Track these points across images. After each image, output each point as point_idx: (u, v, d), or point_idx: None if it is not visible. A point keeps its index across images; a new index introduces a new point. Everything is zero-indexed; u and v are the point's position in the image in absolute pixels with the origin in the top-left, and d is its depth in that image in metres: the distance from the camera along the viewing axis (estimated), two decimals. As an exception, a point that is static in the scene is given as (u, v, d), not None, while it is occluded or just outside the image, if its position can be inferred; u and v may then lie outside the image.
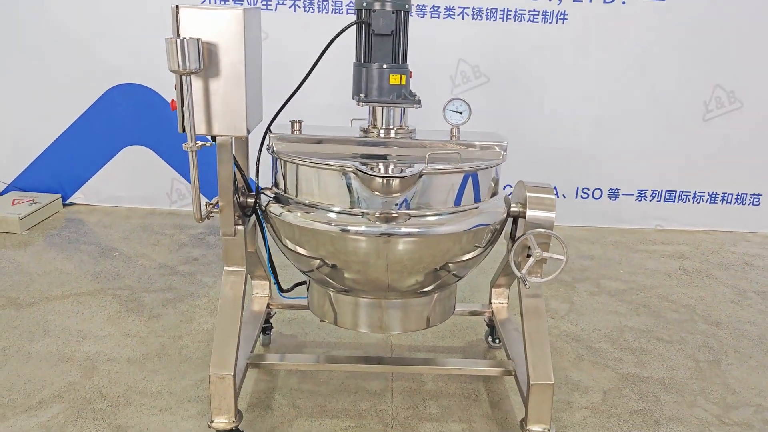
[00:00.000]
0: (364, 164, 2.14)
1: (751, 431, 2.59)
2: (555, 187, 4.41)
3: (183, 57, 2.02)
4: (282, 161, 2.31)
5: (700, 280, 4.06)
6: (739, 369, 3.04)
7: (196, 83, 2.14)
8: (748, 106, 4.53)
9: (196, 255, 4.08)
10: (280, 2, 4.34)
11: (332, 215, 2.18)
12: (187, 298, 3.49)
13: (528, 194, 2.37)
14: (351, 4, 4.35)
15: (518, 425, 2.41)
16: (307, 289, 2.64)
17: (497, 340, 3.07)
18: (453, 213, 2.21)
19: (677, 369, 3.02)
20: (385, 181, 2.06)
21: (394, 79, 2.32)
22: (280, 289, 2.70)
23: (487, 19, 4.36)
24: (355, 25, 2.28)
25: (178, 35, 2.11)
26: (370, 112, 2.40)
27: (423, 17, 4.38)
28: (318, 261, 2.32)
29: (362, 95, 2.31)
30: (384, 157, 2.28)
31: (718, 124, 4.59)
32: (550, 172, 4.48)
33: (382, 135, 2.35)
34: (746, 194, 4.78)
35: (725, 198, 4.79)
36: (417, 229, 2.14)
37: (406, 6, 2.27)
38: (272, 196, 2.41)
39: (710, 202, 4.80)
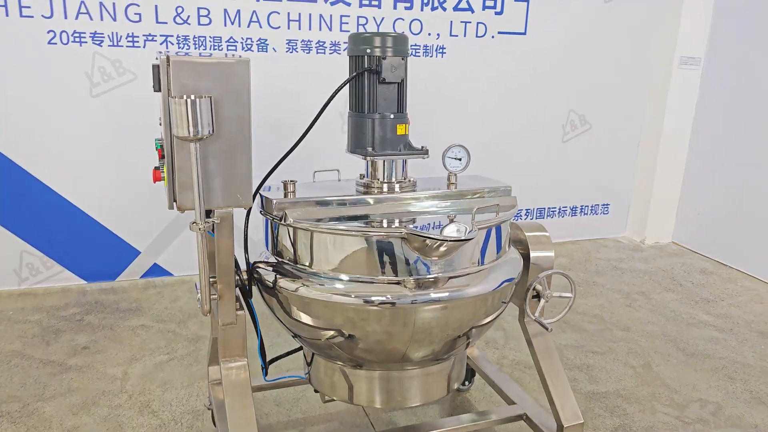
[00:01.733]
0: (401, 226, 1.94)
1: (708, 426, 2.86)
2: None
3: (195, 121, 1.66)
4: (291, 229, 2.01)
5: (590, 289, 4.43)
6: (667, 368, 3.35)
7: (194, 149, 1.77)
8: (596, 127, 5.08)
9: (83, 342, 3.38)
10: (149, 38, 3.83)
11: (361, 285, 1.94)
12: (101, 399, 2.87)
13: (527, 234, 2.35)
14: (230, 40, 4.00)
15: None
16: (309, 364, 2.33)
17: (466, 383, 3.00)
18: (479, 271, 2.07)
19: (624, 379, 3.22)
20: (437, 243, 1.88)
21: (401, 129, 2.16)
22: (266, 373, 2.33)
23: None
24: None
25: (171, 93, 1.72)
26: (369, 165, 2.20)
27: (308, 53, 4.19)
28: (333, 334, 2.05)
29: (370, 148, 2.11)
30: (410, 215, 2.09)
31: (573, 144, 5.07)
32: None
33: (388, 189, 2.17)
34: (598, 205, 5.35)
35: (583, 210, 5.31)
36: (447, 293, 1.98)
37: (409, 51, 2.13)
38: (270, 269, 2.08)
39: (571, 215, 5.28)
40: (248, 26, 4.04)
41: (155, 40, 3.83)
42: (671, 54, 4.87)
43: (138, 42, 3.81)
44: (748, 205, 4.69)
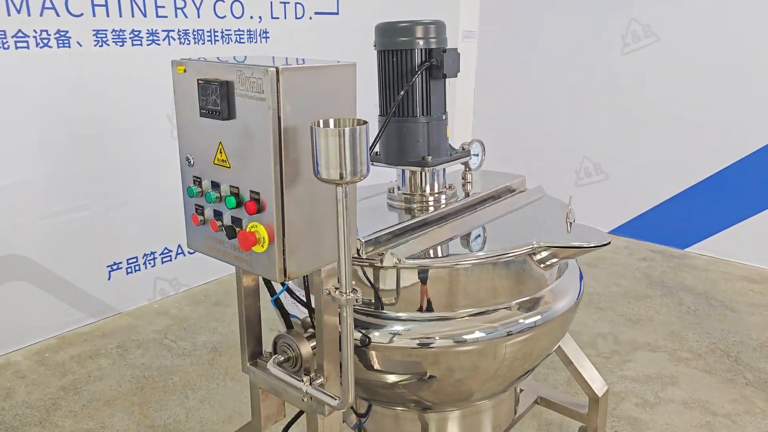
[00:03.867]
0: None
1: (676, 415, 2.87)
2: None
3: (354, 155, 1.23)
4: (390, 271, 1.64)
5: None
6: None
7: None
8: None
9: None
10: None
11: (477, 318, 1.70)
12: None
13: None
14: (17, 35, 2.99)
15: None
16: (363, 415, 1.96)
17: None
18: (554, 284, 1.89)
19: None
20: (567, 253, 1.72)
21: (447, 132, 1.91)
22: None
23: (195, 42, 3.67)
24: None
25: (284, 115, 1.26)
26: (412, 176, 1.91)
27: (122, 45, 3.37)
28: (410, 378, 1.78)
29: (429, 157, 1.82)
30: (483, 227, 1.87)
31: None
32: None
33: (446, 201, 1.92)
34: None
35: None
36: (540, 316, 1.79)
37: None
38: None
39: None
40: (40, 15, 3.06)
41: None
42: (457, 29, 5.22)
43: None
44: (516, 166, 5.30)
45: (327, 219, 1.39)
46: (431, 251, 1.68)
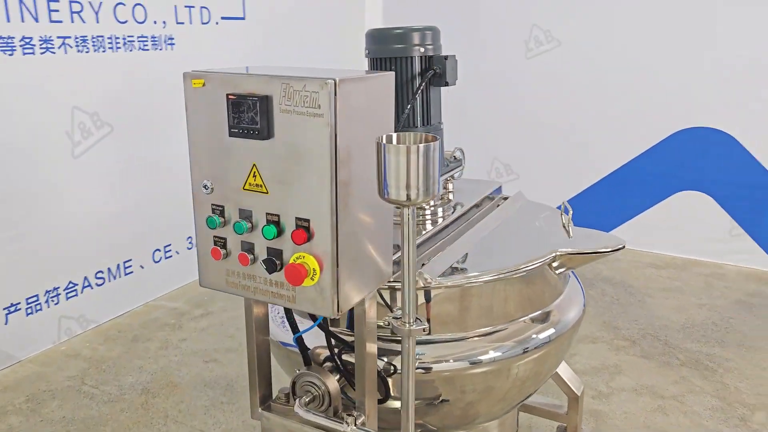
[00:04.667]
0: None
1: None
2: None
3: (428, 175, 1.12)
4: (427, 292, 1.53)
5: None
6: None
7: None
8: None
9: None
10: None
11: (495, 336, 1.64)
12: None
13: None
14: None
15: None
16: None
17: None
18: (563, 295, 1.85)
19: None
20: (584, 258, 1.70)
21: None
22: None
23: (95, 50, 3.29)
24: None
25: (339, 129, 1.13)
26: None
27: (12, 54, 2.93)
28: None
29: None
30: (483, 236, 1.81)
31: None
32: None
33: (443, 213, 1.83)
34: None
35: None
36: (554, 329, 1.74)
37: None
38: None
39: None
40: None
41: None
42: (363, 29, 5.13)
43: None
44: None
45: (370, 244, 1.25)
46: (458, 267, 1.59)
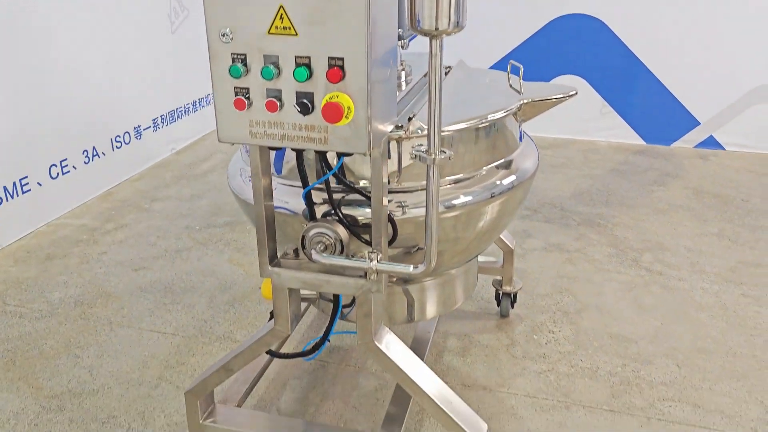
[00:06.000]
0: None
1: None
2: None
3: (458, 3, 1.23)
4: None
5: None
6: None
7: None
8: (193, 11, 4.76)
9: None
10: None
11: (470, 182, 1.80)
12: None
13: None
14: None
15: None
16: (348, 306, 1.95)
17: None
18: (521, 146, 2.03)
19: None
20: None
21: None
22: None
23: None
24: None
25: None
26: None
27: None
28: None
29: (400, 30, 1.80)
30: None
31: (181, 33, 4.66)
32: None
33: (404, 77, 1.93)
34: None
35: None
36: (515, 176, 1.91)
37: None
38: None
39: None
40: None
41: None
42: None
43: None
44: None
45: (387, 83, 1.33)
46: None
